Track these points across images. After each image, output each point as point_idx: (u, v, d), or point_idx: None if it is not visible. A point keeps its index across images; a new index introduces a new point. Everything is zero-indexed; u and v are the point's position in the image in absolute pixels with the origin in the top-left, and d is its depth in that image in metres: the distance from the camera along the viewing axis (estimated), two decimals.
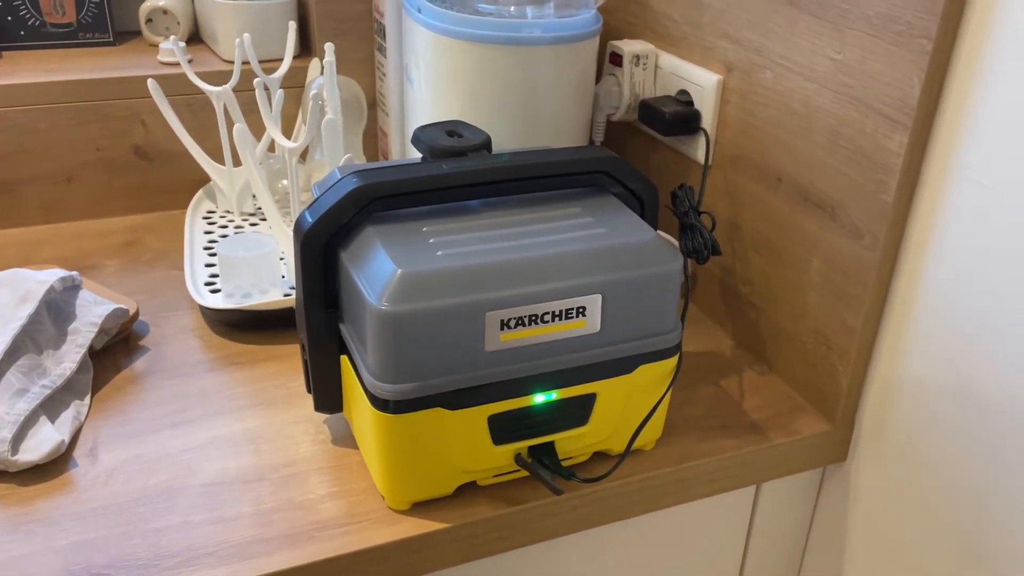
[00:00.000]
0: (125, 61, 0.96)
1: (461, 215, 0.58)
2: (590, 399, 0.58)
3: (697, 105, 0.77)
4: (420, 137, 0.61)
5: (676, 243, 0.71)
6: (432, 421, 0.54)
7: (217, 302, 0.76)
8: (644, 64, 0.81)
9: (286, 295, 0.76)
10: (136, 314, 0.75)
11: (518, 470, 0.59)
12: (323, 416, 0.66)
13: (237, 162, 0.90)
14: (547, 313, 0.54)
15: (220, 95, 0.87)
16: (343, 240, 0.56)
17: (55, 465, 0.61)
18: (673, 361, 0.60)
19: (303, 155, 0.96)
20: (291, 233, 0.69)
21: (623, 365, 0.58)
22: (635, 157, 0.89)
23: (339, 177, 0.57)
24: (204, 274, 0.81)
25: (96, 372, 0.70)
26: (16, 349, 0.65)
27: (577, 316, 0.55)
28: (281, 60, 0.89)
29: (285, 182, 0.93)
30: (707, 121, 0.76)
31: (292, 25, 0.90)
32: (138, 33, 1.04)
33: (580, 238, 0.56)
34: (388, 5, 0.85)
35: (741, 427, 0.68)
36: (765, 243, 0.72)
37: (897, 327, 0.63)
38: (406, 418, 0.54)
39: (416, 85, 0.80)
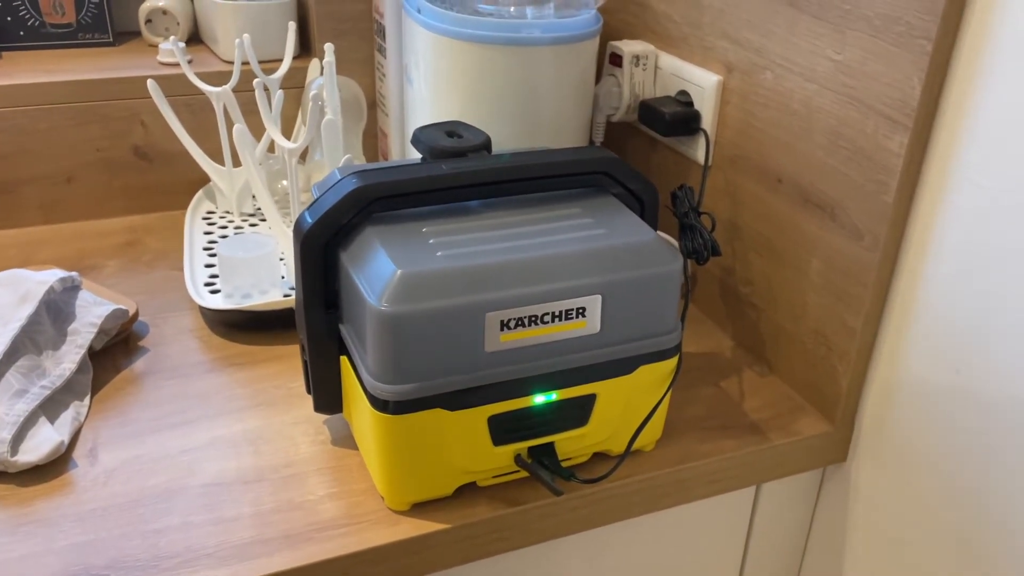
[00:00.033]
0: (125, 61, 0.96)
1: (461, 216, 0.58)
2: (590, 400, 0.58)
3: (697, 106, 0.77)
4: (420, 138, 0.61)
5: (676, 244, 0.71)
6: (432, 422, 0.54)
7: (217, 303, 0.76)
8: (644, 64, 0.81)
9: (286, 296, 0.76)
10: (136, 315, 0.74)
11: (518, 471, 0.59)
12: (323, 417, 0.66)
13: (237, 163, 0.90)
14: (547, 314, 0.54)
15: (220, 96, 0.87)
16: (343, 241, 0.56)
17: (54, 466, 0.61)
18: (673, 362, 0.60)
19: (303, 156, 0.96)
20: (291, 234, 0.69)
21: (623, 366, 0.58)
22: (635, 158, 0.89)
23: (339, 178, 0.57)
24: (204, 275, 0.81)
25: (96, 373, 0.70)
26: (16, 350, 0.65)
27: (577, 317, 0.55)
28: (281, 60, 0.89)
29: (285, 183, 0.93)
30: (707, 122, 0.76)
31: (292, 25, 0.90)
32: (138, 33, 1.04)
33: (580, 239, 0.56)
34: (388, 5, 0.85)
35: (741, 428, 0.67)
36: (765, 244, 0.72)
37: (897, 328, 0.63)
38: (406, 419, 0.54)
39: (416, 85, 0.80)
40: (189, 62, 0.93)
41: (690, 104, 0.77)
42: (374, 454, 0.57)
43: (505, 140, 0.75)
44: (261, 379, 0.70)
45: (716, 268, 0.79)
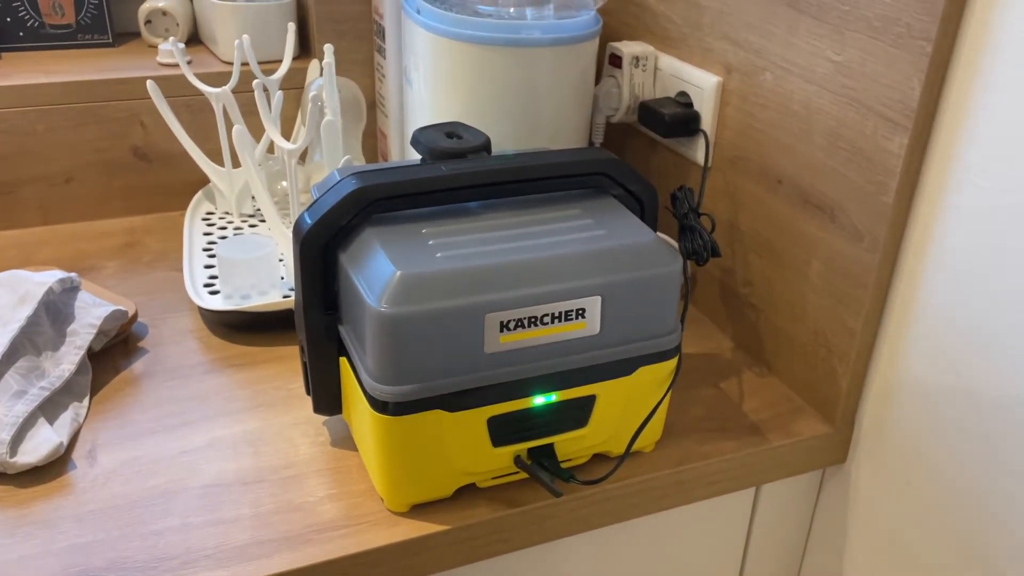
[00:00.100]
0: (124, 62, 0.96)
1: (461, 217, 0.58)
2: (589, 401, 0.58)
3: (697, 107, 0.77)
4: (419, 139, 0.61)
5: (676, 245, 0.71)
6: (431, 423, 0.54)
7: (216, 304, 0.75)
8: (644, 66, 0.81)
9: (285, 297, 0.76)
10: (135, 316, 0.74)
11: (517, 472, 0.59)
12: (322, 418, 0.66)
13: (236, 163, 0.90)
14: (547, 315, 0.54)
15: (219, 96, 0.87)
16: (342, 242, 0.56)
17: (53, 467, 0.61)
18: (673, 363, 0.60)
19: (302, 156, 0.96)
20: (290, 235, 0.69)
21: (623, 367, 0.58)
22: (634, 159, 0.89)
23: (338, 179, 0.57)
24: (203, 275, 0.81)
25: (95, 374, 0.69)
26: (15, 351, 0.65)
27: (577, 318, 0.55)
28: (280, 61, 0.89)
29: (284, 183, 0.93)
30: (707, 123, 0.76)
31: (291, 26, 0.90)
32: (137, 34, 1.04)
33: (580, 240, 0.56)
34: (387, 6, 0.85)
35: (741, 429, 0.67)
36: (765, 245, 0.72)
37: (897, 329, 0.63)
38: (405, 420, 0.54)
39: (415, 86, 0.80)
40: (188, 63, 0.93)
41: (690, 105, 0.77)
42: (373, 455, 0.57)
43: (505, 141, 0.75)
44: (260, 380, 0.70)
45: (716, 269, 0.79)
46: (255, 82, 0.77)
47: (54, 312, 0.69)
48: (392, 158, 0.94)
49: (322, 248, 0.56)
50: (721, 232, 0.77)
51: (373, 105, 0.97)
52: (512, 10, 0.75)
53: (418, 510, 0.58)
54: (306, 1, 0.98)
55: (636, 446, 0.63)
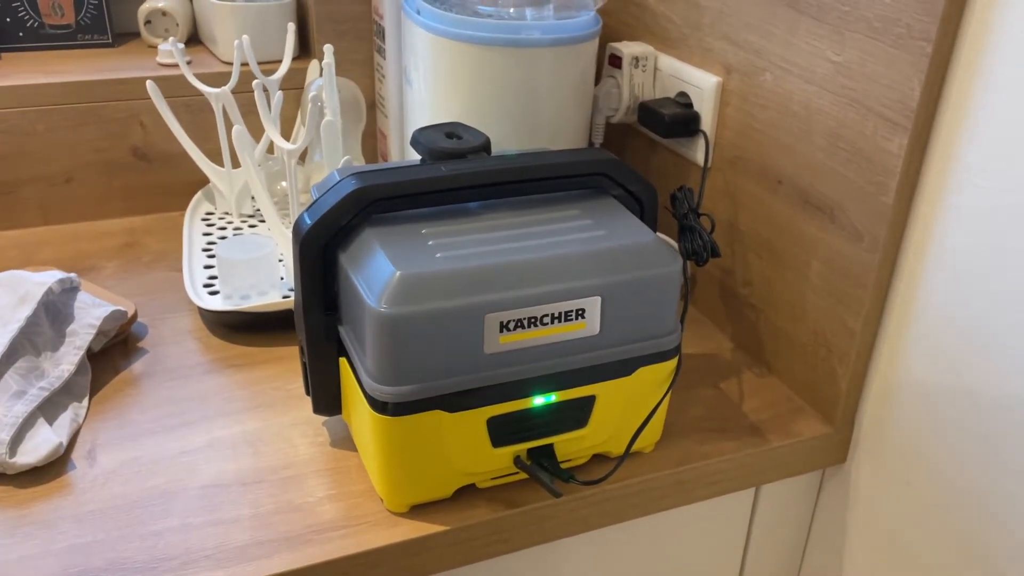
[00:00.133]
0: (124, 62, 0.96)
1: (460, 217, 0.58)
2: (589, 401, 0.58)
3: (696, 107, 0.77)
4: (419, 139, 0.60)
5: (675, 245, 0.71)
6: (431, 423, 0.54)
7: (216, 304, 0.75)
8: (643, 66, 0.81)
9: (285, 297, 0.76)
10: (134, 316, 0.74)
11: (517, 472, 0.59)
12: (322, 418, 0.66)
13: (236, 164, 0.90)
14: (546, 315, 0.54)
15: (219, 96, 0.87)
16: (342, 242, 0.56)
17: (53, 467, 0.61)
18: (672, 363, 0.60)
19: (302, 157, 0.95)
20: (290, 235, 0.69)
21: (622, 367, 0.58)
22: (634, 159, 0.89)
23: (338, 179, 0.57)
24: (203, 276, 0.81)
25: (94, 374, 0.69)
26: (14, 351, 0.65)
27: (576, 318, 0.55)
28: (280, 62, 0.89)
29: (284, 184, 0.93)
30: (706, 123, 0.76)
31: (291, 27, 0.90)
32: (137, 34, 1.04)
33: (579, 240, 0.56)
34: (387, 7, 0.85)
35: (740, 429, 0.67)
36: (765, 245, 0.72)
37: (897, 329, 0.63)
38: (405, 420, 0.53)
39: (415, 87, 0.80)
40: (188, 63, 0.93)
41: (689, 105, 0.77)
42: (373, 456, 0.57)
43: (504, 141, 0.75)
44: (260, 381, 0.70)
45: (716, 269, 0.79)
46: (255, 82, 0.77)
47: (53, 312, 0.69)
48: (392, 158, 0.94)
49: (322, 248, 0.56)
50: (721, 232, 0.77)
51: (373, 105, 0.97)
52: (512, 10, 0.75)
53: (418, 510, 0.58)
54: (306, 1, 0.98)
55: (636, 446, 0.63)
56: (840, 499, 0.72)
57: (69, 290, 0.71)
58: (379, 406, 0.53)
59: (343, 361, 0.59)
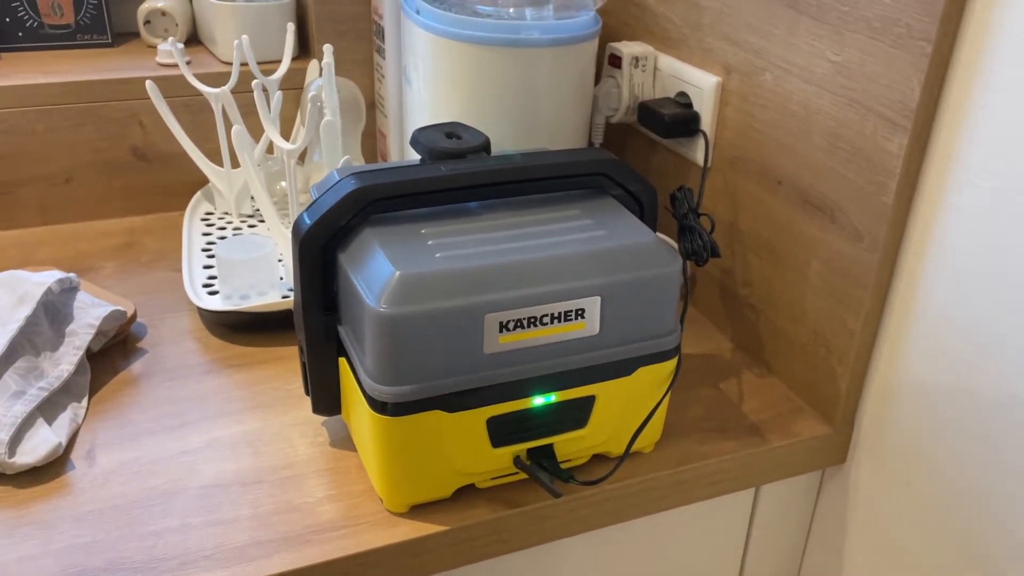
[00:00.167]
0: (123, 62, 0.96)
1: (460, 217, 0.58)
2: (589, 401, 0.58)
3: (696, 107, 0.77)
4: (419, 139, 0.60)
5: (675, 245, 0.71)
6: (430, 423, 0.54)
7: (215, 304, 0.75)
8: (643, 66, 0.81)
9: (284, 297, 0.76)
10: (134, 316, 0.74)
11: (517, 472, 0.59)
12: (321, 418, 0.66)
13: (235, 164, 0.90)
14: (546, 315, 0.54)
15: (218, 96, 0.87)
16: (341, 242, 0.56)
17: (52, 467, 0.61)
18: (672, 363, 0.60)
19: (301, 157, 0.95)
20: (289, 235, 0.69)
21: (622, 367, 0.58)
22: (634, 159, 0.89)
23: (337, 179, 0.57)
24: (202, 276, 0.81)
25: (94, 374, 0.69)
26: (13, 351, 0.65)
27: (576, 318, 0.55)
28: (279, 62, 0.89)
29: (283, 184, 0.92)
30: (706, 123, 0.76)
31: (290, 27, 0.90)
32: (136, 34, 1.04)
33: (579, 240, 0.56)
34: (387, 7, 0.85)
35: (740, 429, 0.67)
36: (765, 245, 0.72)
37: (897, 329, 0.63)
38: (404, 420, 0.53)
39: (415, 87, 0.80)
40: (188, 63, 0.93)
41: (689, 105, 0.77)
42: (373, 456, 0.57)
43: (504, 141, 0.75)
44: (259, 381, 0.70)
45: (715, 270, 0.79)
46: (254, 82, 0.77)
47: (53, 312, 0.69)
48: (391, 158, 0.94)
49: (321, 248, 0.56)
50: (721, 232, 0.77)
51: (372, 105, 0.97)
52: (511, 10, 0.75)
53: (417, 510, 0.58)
54: (305, 1, 0.98)
55: (636, 446, 0.63)
56: (840, 499, 0.72)
57: (68, 290, 0.71)
58: (379, 406, 0.53)
59: (342, 361, 0.59)
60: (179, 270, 0.84)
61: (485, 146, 0.61)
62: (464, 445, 0.56)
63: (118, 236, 0.92)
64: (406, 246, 0.54)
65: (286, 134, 0.96)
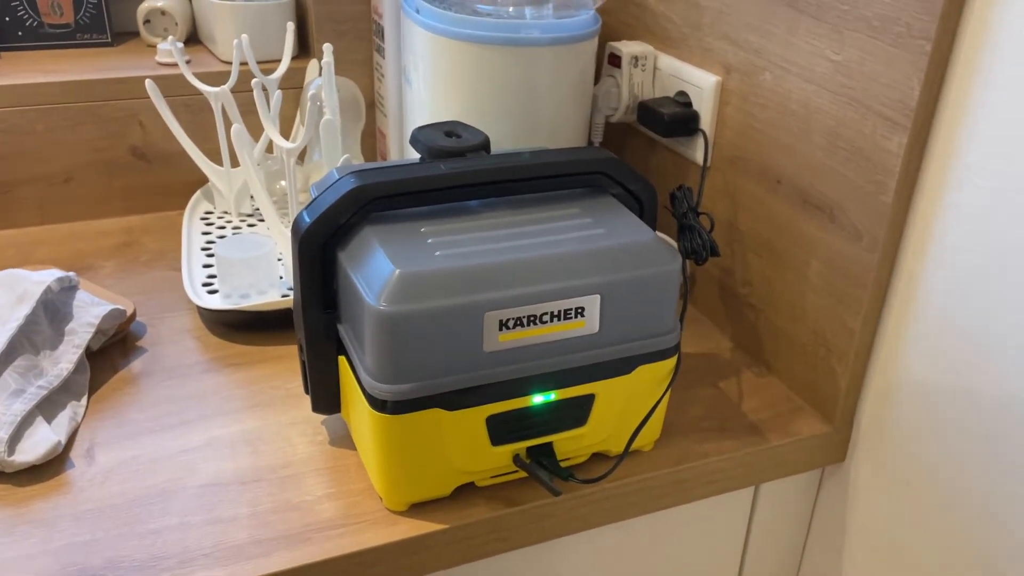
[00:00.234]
0: (123, 62, 0.96)
1: (460, 215, 0.58)
2: (589, 400, 0.58)
3: (696, 106, 0.77)
4: (418, 137, 0.60)
5: (675, 244, 0.71)
6: (430, 422, 0.54)
7: (215, 303, 0.75)
8: (643, 65, 0.81)
9: (284, 296, 0.76)
10: (133, 315, 0.74)
11: (516, 471, 0.59)
12: (321, 417, 0.66)
13: (235, 163, 0.90)
14: (546, 313, 0.54)
15: (218, 96, 0.87)
16: (341, 240, 0.56)
17: (51, 466, 0.61)
18: (672, 362, 0.60)
19: (301, 156, 0.95)
20: (289, 234, 0.69)
21: (622, 366, 0.58)
22: (634, 158, 0.89)
23: (337, 177, 0.57)
24: (202, 275, 0.81)
25: (93, 373, 0.69)
26: (13, 350, 0.65)
27: (576, 317, 0.55)
28: (279, 61, 0.89)
29: (283, 183, 0.92)
30: (706, 122, 0.76)
31: (290, 26, 0.90)
32: (136, 34, 1.04)
33: (579, 238, 0.56)
34: (386, 6, 0.85)
35: (740, 428, 0.67)
36: (764, 244, 0.72)
37: (896, 328, 0.63)
38: (404, 419, 0.53)
39: (414, 86, 0.80)
40: (187, 62, 0.93)
41: (689, 105, 0.77)
42: (372, 454, 0.57)
43: (504, 140, 0.75)
44: (259, 379, 0.70)
45: (715, 269, 0.79)
46: (254, 81, 0.77)
47: (52, 311, 0.69)
48: (391, 157, 0.94)
49: (321, 246, 0.56)
50: (720, 232, 0.77)
51: (372, 105, 0.97)
52: (511, 9, 0.75)
53: (417, 509, 0.58)
54: (305, 1, 0.98)
55: (635, 445, 0.63)
56: (839, 498, 0.72)
57: (68, 289, 0.71)
58: (378, 404, 0.53)
59: (342, 359, 0.59)
60: (179, 269, 0.84)
61: (485, 145, 0.61)
62: (464, 443, 0.56)
63: (117, 235, 0.92)
64: (406, 244, 0.54)
65: (286, 133, 0.96)
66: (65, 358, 0.66)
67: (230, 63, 0.90)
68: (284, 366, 0.72)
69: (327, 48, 0.79)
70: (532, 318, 0.54)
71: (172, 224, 0.94)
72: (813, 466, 0.70)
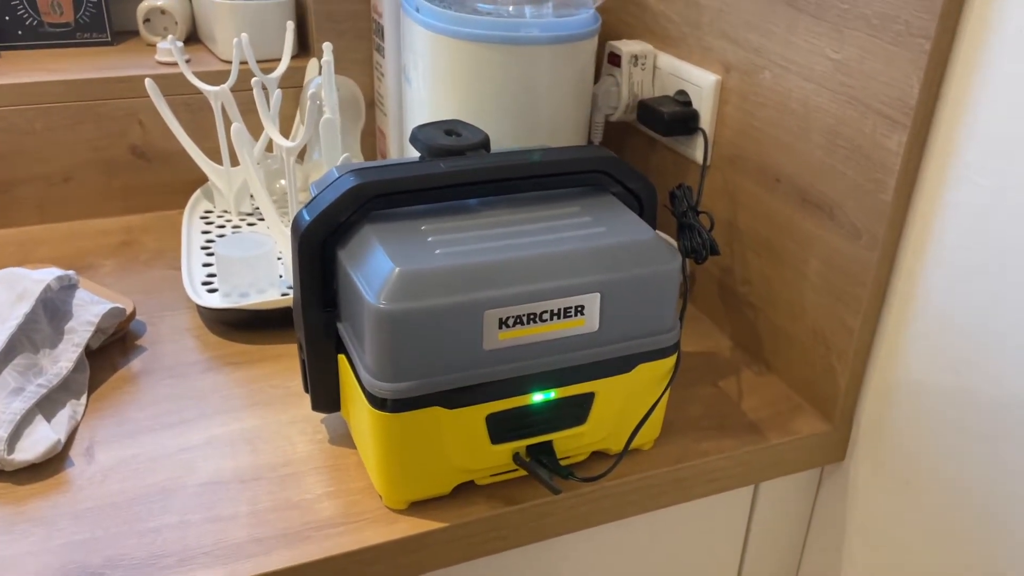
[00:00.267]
0: (123, 61, 0.96)
1: (459, 214, 0.58)
2: (588, 398, 0.58)
3: (695, 105, 0.77)
4: (418, 136, 0.60)
5: (675, 243, 0.71)
6: (430, 420, 0.54)
7: (214, 302, 0.75)
8: (642, 64, 0.81)
9: (283, 295, 0.76)
10: (133, 313, 0.74)
11: (516, 469, 0.59)
12: (320, 416, 0.66)
13: (235, 162, 0.90)
14: (545, 312, 0.54)
15: (218, 95, 0.87)
16: (341, 239, 0.56)
17: (51, 464, 0.61)
18: (671, 360, 0.60)
19: (301, 155, 0.95)
20: (289, 233, 0.69)
21: (621, 364, 0.58)
22: (633, 157, 0.89)
23: (336, 175, 0.57)
24: (201, 274, 0.81)
25: (93, 372, 0.69)
26: (12, 348, 0.65)
27: (575, 315, 0.55)
28: (279, 60, 0.89)
29: (283, 182, 0.92)
30: (705, 121, 0.76)
31: (290, 25, 0.90)
32: (136, 33, 1.04)
33: (578, 237, 0.56)
34: (386, 5, 0.85)
35: (739, 427, 0.67)
36: (764, 243, 0.72)
37: (896, 327, 0.63)
38: (404, 417, 0.53)
39: (414, 85, 0.80)
40: (187, 61, 0.93)
41: (688, 104, 0.77)
42: (372, 452, 0.57)
43: (503, 139, 0.75)
44: (258, 378, 0.70)
45: (714, 268, 0.79)
46: (254, 80, 0.77)
47: (52, 309, 0.69)
48: (391, 156, 0.94)
49: (320, 245, 0.56)
50: (720, 230, 0.77)
51: (372, 104, 0.97)
52: (511, 8, 0.75)
53: (416, 507, 0.58)
54: (305, 0, 0.98)
55: (635, 444, 0.63)
56: (839, 497, 0.72)
57: (67, 287, 0.71)
58: (378, 403, 0.53)
59: (342, 358, 0.59)
60: (178, 268, 0.84)
61: (484, 143, 0.61)
62: (463, 442, 0.56)
63: (117, 234, 0.92)
64: (406, 243, 0.54)
65: (285, 132, 0.96)
66: (65, 357, 0.66)
67: (230, 62, 0.90)
68: (284, 365, 0.72)
69: (327, 47, 0.79)
70: (532, 316, 0.54)
71: (172, 223, 0.94)
72: (812, 465, 0.70)
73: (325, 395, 0.61)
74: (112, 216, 0.95)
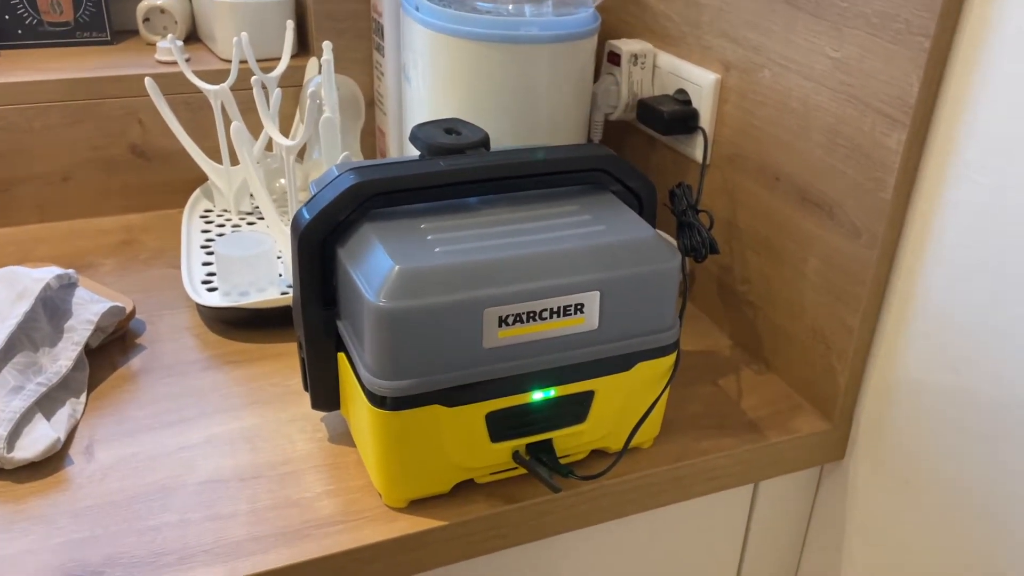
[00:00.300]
0: (122, 60, 0.96)
1: (459, 212, 0.58)
2: (588, 396, 0.58)
3: (695, 104, 0.77)
4: (418, 135, 0.60)
5: (674, 241, 0.71)
6: (429, 418, 0.54)
7: (214, 300, 0.75)
8: (642, 63, 0.81)
9: (283, 293, 0.76)
10: (132, 312, 0.74)
11: (516, 468, 0.59)
12: (320, 414, 0.66)
13: (235, 161, 0.90)
14: (545, 310, 0.54)
15: (218, 94, 0.87)
16: (341, 237, 0.56)
17: (51, 463, 0.61)
18: (671, 359, 0.60)
19: (300, 154, 0.95)
20: (288, 232, 0.69)
21: (621, 362, 0.58)
22: (633, 156, 0.89)
23: (336, 174, 0.57)
24: (201, 272, 0.81)
25: (92, 370, 0.69)
26: (12, 346, 0.65)
27: (575, 313, 0.55)
28: (279, 59, 0.89)
29: (283, 181, 0.92)
30: (705, 120, 0.76)
31: (290, 24, 0.90)
32: (135, 32, 1.04)
33: (578, 235, 0.56)
34: (386, 4, 0.85)
35: (739, 426, 0.67)
36: (763, 242, 0.72)
37: (895, 326, 0.63)
38: (403, 415, 0.53)
39: (414, 84, 0.80)
40: (187, 60, 0.93)
41: (688, 103, 0.77)
42: (371, 451, 0.57)
43: (503, 138, 0.75)
44: (258, 377, 0.70)
45: (714, 266, 0.79)
46: (253, 79, 0.77)
47: (51, 308, 0.69)
48: (391, 155, 0.94)
49: (320, 243, 0.56)
50: (719, 229, 0.77)
51: (372, 103, 0.97)
52: (510, 7, 0.75)
53: (416, 506, 0.58)
54: None
55: (634, 442, 0.63)
56: (838, 495, 0.72)
57: (67, 286, 0.71)
58: (377, 401, 0.53)
59: (341, 356, 0.59)
60: (178, 267, 0.84)
61: (484, 142, 0.61)
62: (463, 440, 0.56)
63: (117, 233, 0.92)
64: (405, 241, 0.54)
65: (285, 131, 0.96)
66: (64, 355, 0.66)
67: (229, 61, 0.90)
68: (283, 363, 0.72)
69: (326, 46, 0.79)
70: (532, 314, 0.54)
71: (171, 222, 0.94)
72: (812, 464, 0.70)
73: (325, 393, 0.61)
74: (112, 215, 0.95)
